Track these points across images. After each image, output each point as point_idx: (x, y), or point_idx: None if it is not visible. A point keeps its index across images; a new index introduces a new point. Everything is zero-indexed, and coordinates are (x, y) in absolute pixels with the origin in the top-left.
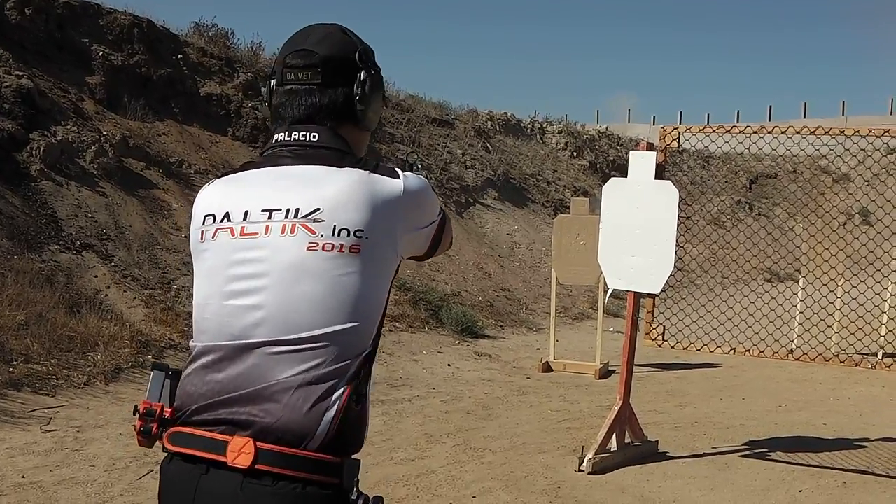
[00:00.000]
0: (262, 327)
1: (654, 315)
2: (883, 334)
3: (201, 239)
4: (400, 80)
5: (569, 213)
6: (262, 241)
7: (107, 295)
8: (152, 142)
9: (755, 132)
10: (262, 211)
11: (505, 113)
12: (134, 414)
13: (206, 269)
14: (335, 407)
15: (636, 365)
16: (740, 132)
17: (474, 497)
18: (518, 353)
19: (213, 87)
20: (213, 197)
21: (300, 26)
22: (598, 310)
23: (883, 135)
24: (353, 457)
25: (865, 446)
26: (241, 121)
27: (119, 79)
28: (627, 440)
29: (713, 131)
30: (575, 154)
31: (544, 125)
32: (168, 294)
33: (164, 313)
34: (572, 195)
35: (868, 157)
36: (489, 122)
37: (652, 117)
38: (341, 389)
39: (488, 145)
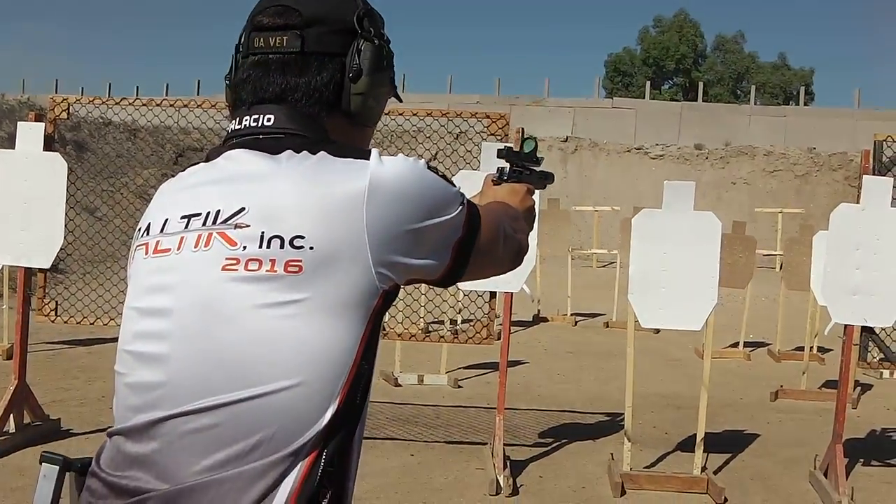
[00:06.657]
0: (166, 391)
1: (46, 290)
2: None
3: (130, 262)
4: None
5: None
6: (172, 261)
7: None
8: None
9: (158, 105)
10: (181, 218)
11: None
12: None
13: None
14: None
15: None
16: (143, 105)
17: None
18: None
19: None
20: (151, 204)
21: None
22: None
23: None
24: None
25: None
26: None
27: None
28: (27, 420)
29: (104, 102)
30: None
31: None
32: None
33: None
34: None
35: None
36: None
37: (80, 88)
38: (285, 489)
39: None
